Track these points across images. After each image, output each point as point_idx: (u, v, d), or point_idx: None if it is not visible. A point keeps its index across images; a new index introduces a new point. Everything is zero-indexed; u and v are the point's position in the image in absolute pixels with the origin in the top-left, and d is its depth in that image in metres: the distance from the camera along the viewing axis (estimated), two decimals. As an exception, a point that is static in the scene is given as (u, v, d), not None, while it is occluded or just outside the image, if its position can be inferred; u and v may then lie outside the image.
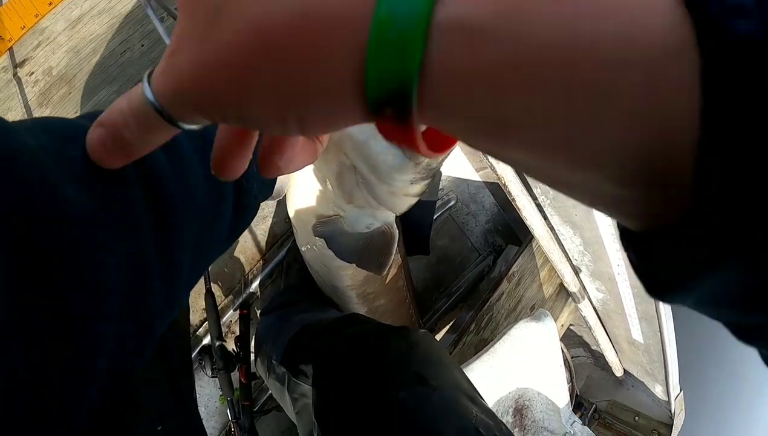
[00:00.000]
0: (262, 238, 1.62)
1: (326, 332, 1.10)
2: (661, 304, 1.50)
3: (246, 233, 1.61)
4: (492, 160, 1.39)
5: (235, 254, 1.62)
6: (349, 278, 1.27)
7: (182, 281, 0.45)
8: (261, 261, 1.63)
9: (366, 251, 1.10)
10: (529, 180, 1.48)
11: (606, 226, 1.45)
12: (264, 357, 1.31)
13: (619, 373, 1.96)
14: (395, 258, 1.23)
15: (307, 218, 1.15)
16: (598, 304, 1.73)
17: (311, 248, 1.28)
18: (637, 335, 1.70)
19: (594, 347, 2.00)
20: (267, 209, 1.60)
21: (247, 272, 1.62)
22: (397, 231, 1.10)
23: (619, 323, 1.74)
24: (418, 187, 0.92)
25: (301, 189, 1.14)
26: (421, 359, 0.88)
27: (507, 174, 1.41)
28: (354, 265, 1.15)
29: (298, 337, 1.20)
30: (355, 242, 1.09)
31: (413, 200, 0.96)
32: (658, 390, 1.88)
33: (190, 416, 0.64)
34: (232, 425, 1.47)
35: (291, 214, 1.24)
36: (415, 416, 0.76)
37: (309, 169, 1.07)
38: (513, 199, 1.45)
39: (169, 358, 0.62)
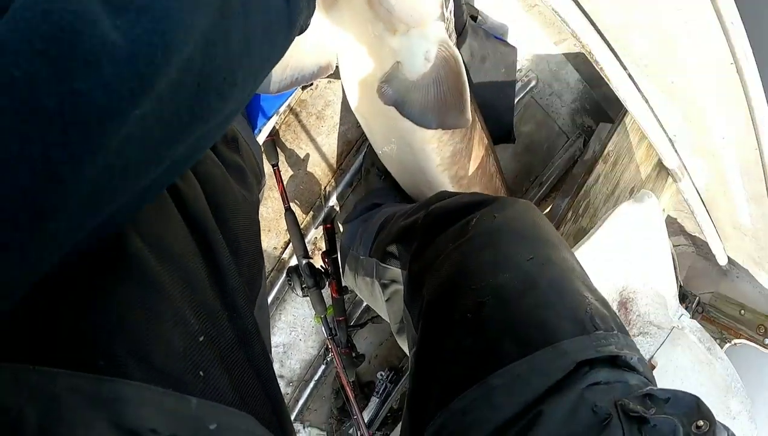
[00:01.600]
0: (335, 147, 1.54)
1: (414, 211, 1.00)
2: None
3: (314, 146, 1.53)
4: (575, 25, 1.26)
5: (309, 170, 1.55)
6: (435, 152, 1.19)
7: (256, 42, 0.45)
8: (337, 171, 1.55)
9: (440, 99, 1.00)
10: (617, 46, 1.34)
11: (709, 91, 1.31)
12: (352, 261, 1.27)
13: (723, 262, 1.81)
14: (479, 132, 1.15)
15: (369, 101, 1.09)
16: (701, 186, 1.59)
17: (389, 148, 1.20)
18: (744, 217, 1.56)
19: (695, 234, 1.86)
20: (336, 117, 1.51)
21: (325, 185, 1.56)
22: (458, 52, 0.99)
23: (723, 206, 1.59)
24: None
25: (349, 68, 1.09)
26: (522, 235, 0.76)
27: (593, 41, 1.28)
28: (437, 134, 1.10)
29: (385, 224, 1.13)
30: (425, 94, 1.00)
31: None
32: (766, 280, 1.72)
33: (244, 323, 0.58)
34: (328, 343, 1.43)
35: (354, 106, 1.16)
36: (519, 304, 0.65)
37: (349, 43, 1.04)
38: (601, 68, 1.31)
39: (212, 255, 0.59)
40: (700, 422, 0.48)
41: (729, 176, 1.47)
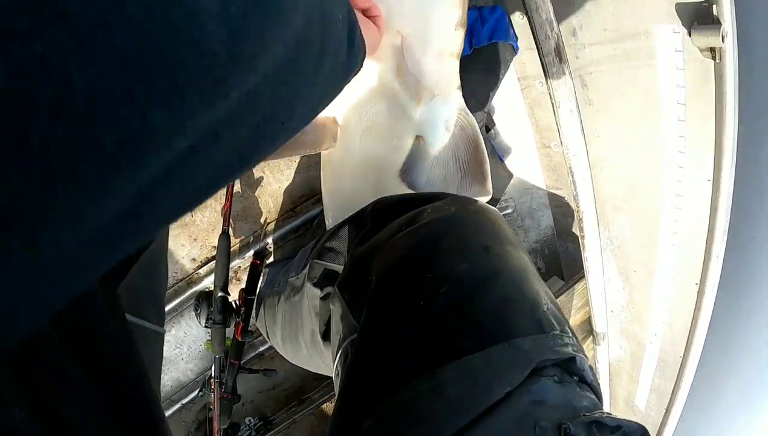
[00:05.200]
0: (298, 187, 1.45)
1: (362, 209, 0.92)
2: (682, 387, 1.42)
3: (279, 176, 1.43)
4: (581, 189, 1.25)
5: (260, 196, 1.44)
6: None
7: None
8: (289, 212, 1.46)
9: (461, 171, 1.01)
10: (602, 218, 1.36)
11: (664, 295, 1.35)
12: (271, 297, 1.19)
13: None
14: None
15: (364, 176, 1.08)
16: (612, 359, 1.64)
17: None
18: (640, 401, 1.63)
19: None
20: (312, 159, 1.41)
21: (271, 220, 1.45)
22: (474, 119, 1.01)
23: (625, 385, 1.67)
24: (459, 37, 0.93)
25: (351, 142, 1.05)
26: (482, 228, 0.70)
27: (588, 209, 1.28)
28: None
29: (320, 239, 1.03)
30: (446, 169, 1.02)
31: (457, 63, 0.96)
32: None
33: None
34: (212, 383, 1.34)
35: (337, 177, 1.13)
36: (477, 296, 0.60)
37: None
38: (583, 235, 1.32)
39: None
40: None
41: (644, 365, 1.52)
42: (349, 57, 0.50)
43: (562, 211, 1.49)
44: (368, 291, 0.70)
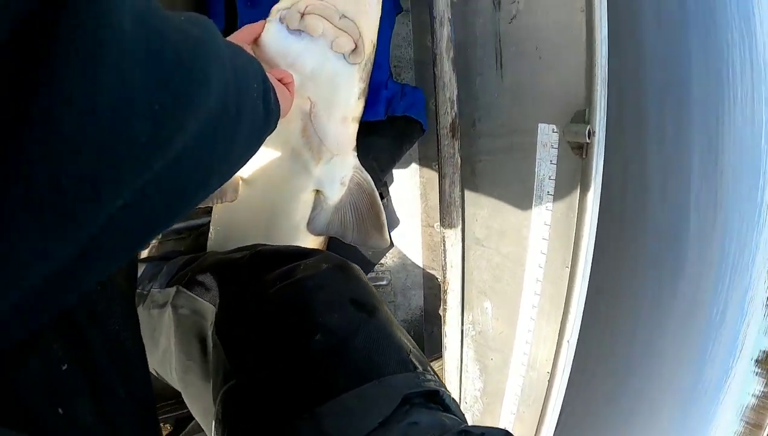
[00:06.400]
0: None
1: (235, 251, 0.99)
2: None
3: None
4: (448, 260, 1.34)
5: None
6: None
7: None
8: (181, 216, 1.46)
9: (359, 221, 1.13)
10: (468, 303, 1.43)
11: (515, 386, 1.40)
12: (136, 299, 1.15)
13: None
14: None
15: (265, 228, 1.16)
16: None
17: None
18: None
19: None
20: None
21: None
22: (369, 177, 1.12)
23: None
24: (361, 105, 1.06)
25: (254, 194, 1.14)
26: (350, 285, 0.81)
27: (454, 281, 1.36)
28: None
29: (192, 260, 1.09)
30: (343, 216, 1.13)
31: (356, 127, 1.08)
32: None
33: (118, 336, 0.57)
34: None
35: (237, 224, 1.20)
36: (348, 342, 0.69)
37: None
38: (446, 309, 1.38)
39: None
40: None
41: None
42: (265, 119, 0.61)
43: (434, 293, 1.54)
44: (245, 339, 0.78)
